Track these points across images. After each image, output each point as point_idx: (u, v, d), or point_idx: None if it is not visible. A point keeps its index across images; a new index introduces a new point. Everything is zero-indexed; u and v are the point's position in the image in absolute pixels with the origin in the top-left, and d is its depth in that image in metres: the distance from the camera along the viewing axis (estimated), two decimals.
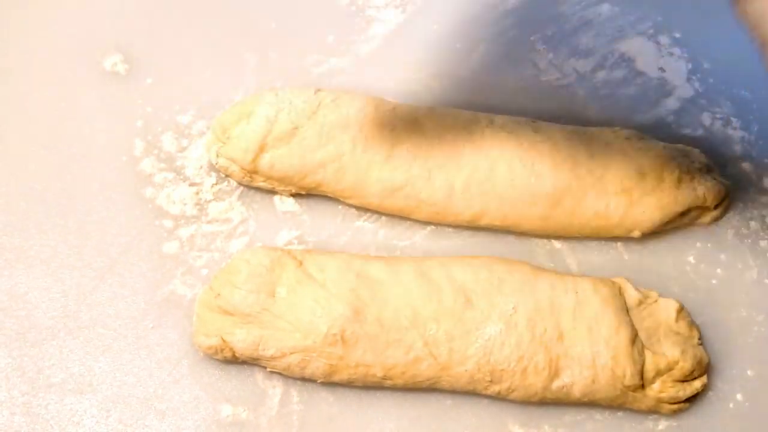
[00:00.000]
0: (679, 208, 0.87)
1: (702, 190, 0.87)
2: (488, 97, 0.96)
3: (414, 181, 0.87)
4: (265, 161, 0.87)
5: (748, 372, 0.85)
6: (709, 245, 0.90)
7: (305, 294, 0.81)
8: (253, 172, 0.88)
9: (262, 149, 0.87)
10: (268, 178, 0.88)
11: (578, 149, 0.87)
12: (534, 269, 0.84)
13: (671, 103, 0.96)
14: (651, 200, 0.86)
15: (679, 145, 0.91)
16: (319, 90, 0.90)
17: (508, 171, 0.86)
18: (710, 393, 0.84)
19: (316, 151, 0.87)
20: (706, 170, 0.89)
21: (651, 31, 1.01)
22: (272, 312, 0.81)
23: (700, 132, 0.95)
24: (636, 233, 0.87)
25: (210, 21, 1.00)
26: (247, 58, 0.98)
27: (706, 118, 0.96)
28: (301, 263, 0.83)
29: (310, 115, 0.88)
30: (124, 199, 0.90)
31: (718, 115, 0.96)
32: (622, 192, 0.86)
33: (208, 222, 0.90)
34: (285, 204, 0.91)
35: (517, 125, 0.88)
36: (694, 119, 0.95)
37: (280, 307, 0.81)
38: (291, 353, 0.80)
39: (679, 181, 0.86)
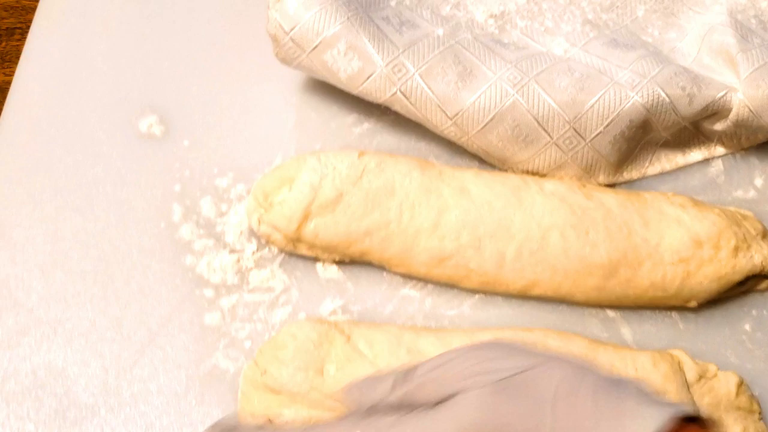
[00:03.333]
0: (737, 278, 0.84)
1: (760, 258, 0.85)
2: None
3: (463, 251, 0.84)
4: (310, 229, 0.85)
5: None
6: (765, 312, 0.88)
7: (355, 372, 0.79)
8: (297, 240, 0.86)
9: (306, 217, 0.85)
10: (312, 246, 0.86)
11: (632, 217, 0.85)
12: (590, 343, 0.82)
13: (720, 163, 0.94)
14: (708, 271, 0.84)
15: (733, 209, 0.89)
16: (362, 153, 0.88)
17: (561, 240, 0.84)
18: None
19: (362, 219, 0.85)
20: (762, 236, 0.87)
21: None
22: (322, 391, 0.78)
23: (752, 194, 0.93)
24: (693, 303, 0.85)
25: (247, 80, 0.97)
26: (286, 118, 0.96)
27: (757, 179, 0.93)
28: (349, 338, 0.81)
29: (355, 181, 0.86)
30: (164, 267, 0.88)
31: None
32: (679, 262, 0.84)
33: (250, 291, 0.87)
34: (328, 271, 0.89)
35: (568, 191, 0.86)
36: (744, 180, 0.93)
37: (329, 386, 0.78)
38: None
39: (737, 249, 0.84)
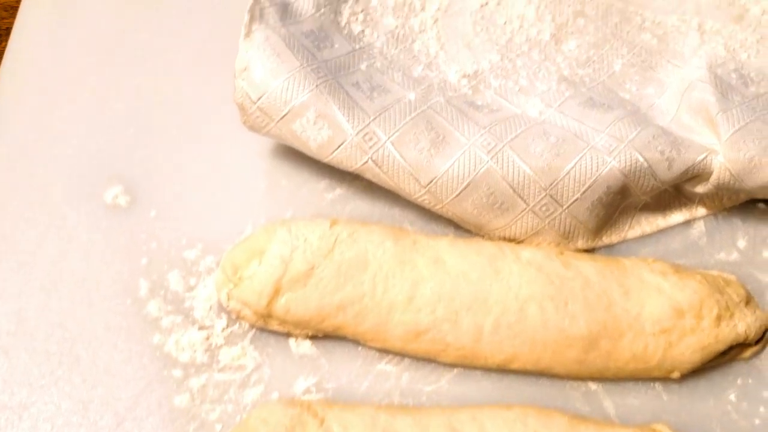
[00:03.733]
0: (721, 348, 0.82)
1: (743, 326, 0.82)
2: None
3: (440, 324, 0.82)
4: (281, 305, 0.82)
5: None
6: (750, 381, 0.85)
7: None
8: (268, 316, 0.83)
9: (276, 292, 0.82)
10: (284, 322, 0.84)
11: (612, 286, 0.83)
12: (572, 420, 0.79)
13: (702, 225, 0.91)
14: (691, 341, 0.81)
15: (716, 273, 0.87)
16: (334, 222, 0.85)
17: (540, 312, 0.81)
18: None
19: (335, 294, 0.82)
20: (746, 302, 0.84)
21: None
22: None
23: (734, 256, 0.90)
24: (676, 375, 0.82)
25: (215, 146, 0.95)
26: (256, 185, 0.93)
27: (740, 240, 0.91)
28: (322, 421, 0.78)
29: (327, 253, 0.83)
30: (131, 346, 0.85)
31: (753, 236, 0.91)
32: (661, 333, 0.81)
33: (220, 370, 0.84)
34: (301, 347, 0.86)
35: (545, 260, 0.84)
36: (727, 241, 0.91)
37: None
38: None
39: (719, 318, 0.82)
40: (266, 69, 0.83)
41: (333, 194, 0.93)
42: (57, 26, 1.01)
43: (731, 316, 0.83)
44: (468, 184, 0.84)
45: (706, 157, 0.84)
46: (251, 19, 0.85)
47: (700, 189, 0.86)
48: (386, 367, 0.85)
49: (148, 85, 0.98)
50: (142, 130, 0.95)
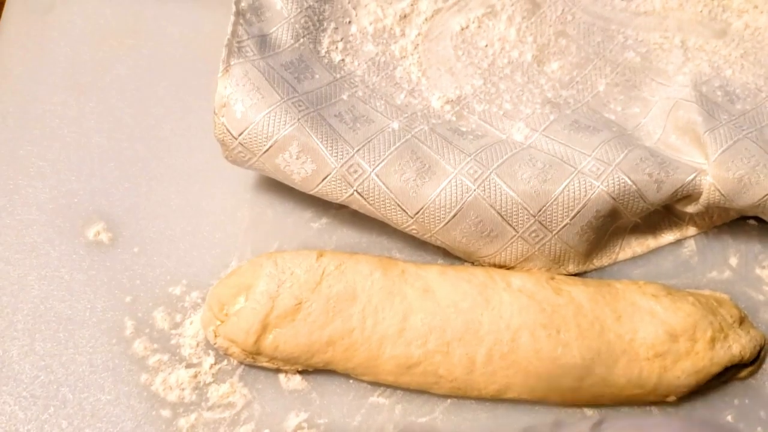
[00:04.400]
0: (716, 370, 0.81)
1: (738, 348, 0.81)
2: None
3: (431, 356, 0.81)
4: (269, 342, 0.81)
5: None
6: (747, 401, 0.85)
7: None
8: (256, 353, 0.82)
9: (264, 329, 0.81)
10: (273, 359, 0.82)
11: (604, 311, 0.82)
12: None
13: (692, 244, 0.91)
14: (685, 365, 0.81)
15: (708, 293, 0.86)
16: (321, 254, 0.84)
17: (532, 341, 0.80)
18: None
19: (324, 329, 0.81)
20: (740, 323, 0.83)
21: None
22: None
23: (726, 274, 0.89)
24: (671, 398, 0.82)
25: (197, 179, 0.93)
26: (240, 217, 0.92)
27: (732, 258, 0.90)
28: None
29: (314, 286, 0.82)
30: (118, 387, 0.84)
31: (744, 254, 0.90)
32: (655, 357, 0.80)
33: (209, 408, 0.83)
34: (291, 382, 0.85)
35: (536, 287, 0.83)
36: (718, 259, 0.90)
37: None
38: None
39: (713, 341, 0.81)
40: (246, 105, 0.82)
41: (319, 223, 0.91)
42: (35, 60, 0.99)
43: (725, 337, 0.82)
44: (456, 213, 0.82)
45: (695, 177, 0.83)
46: (229, 54, 0.83)
47: (690, 209, 0.86)
48: (379, 399, 0.84)
49: (128, 119, 0.96)
50: (123, 164, 0.93)
